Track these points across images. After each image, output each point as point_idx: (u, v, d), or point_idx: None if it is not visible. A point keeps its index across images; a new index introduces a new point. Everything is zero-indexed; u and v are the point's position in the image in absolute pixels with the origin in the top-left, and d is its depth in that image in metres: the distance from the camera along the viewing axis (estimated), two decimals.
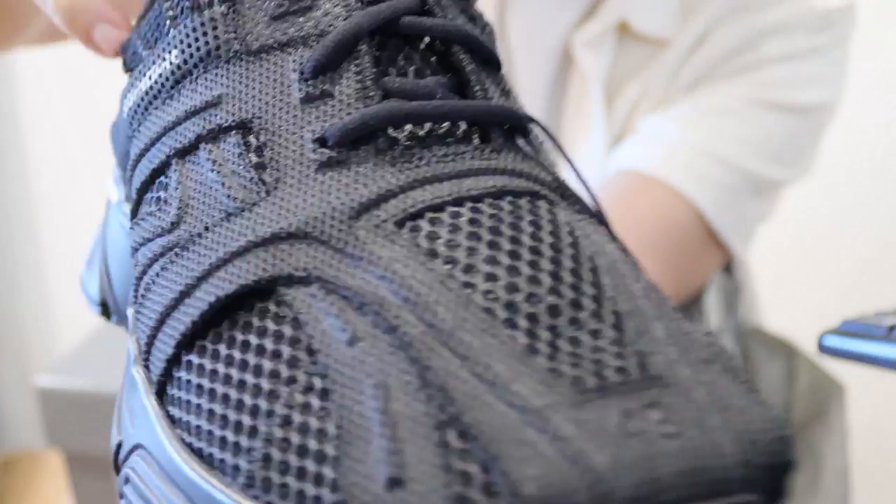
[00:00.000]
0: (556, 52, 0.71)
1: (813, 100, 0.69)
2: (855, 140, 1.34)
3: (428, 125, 0.25)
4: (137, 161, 0.27)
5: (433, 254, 0.21)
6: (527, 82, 0.72)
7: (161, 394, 0.23)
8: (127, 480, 0.23)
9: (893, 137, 1.40)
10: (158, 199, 0.26)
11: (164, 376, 0.23)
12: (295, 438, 0.19)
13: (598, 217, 0.26)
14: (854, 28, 0.70)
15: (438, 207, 0.22)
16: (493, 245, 0.21)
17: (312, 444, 0.19)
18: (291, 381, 0.20)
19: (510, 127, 0.26)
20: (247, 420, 0.20)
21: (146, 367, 0.24)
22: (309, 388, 0.20)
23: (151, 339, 0.24)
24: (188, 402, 0.22)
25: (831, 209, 1.43)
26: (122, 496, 0.23)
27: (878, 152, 1.41)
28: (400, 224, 0.22)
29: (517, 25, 0.70)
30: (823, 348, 0.40)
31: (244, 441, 0.20)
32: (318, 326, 0.20)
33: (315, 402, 0.20)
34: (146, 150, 0.27)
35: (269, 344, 0.21)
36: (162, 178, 0.26)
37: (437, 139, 0.24)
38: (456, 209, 0.22)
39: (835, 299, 1.18)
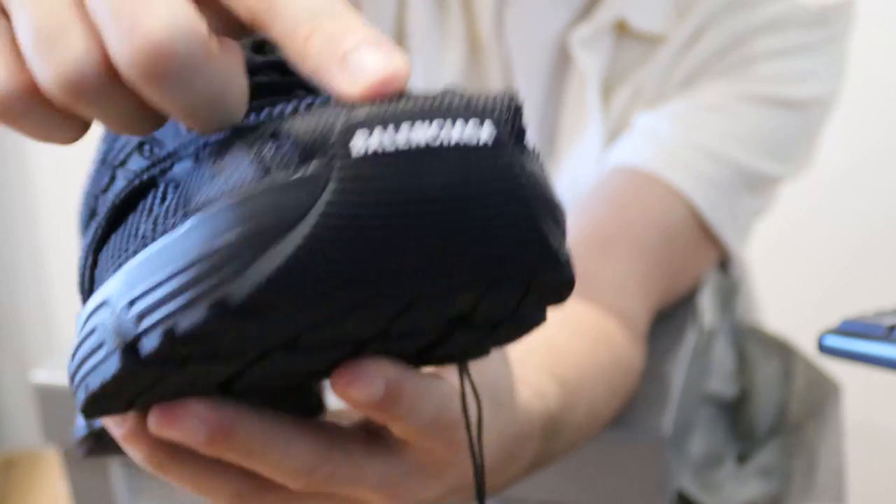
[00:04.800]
0: (554, 51, 0.71)
1: (806, 95, 0.69)
2: (855, 138, 1.34)
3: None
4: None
5: None
6: (524, 81, 0.72)
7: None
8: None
9: (894, 136, 1.40)
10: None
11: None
12: None
13: None
14: (853, 24, 0.70)
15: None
16: None
17: None
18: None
19: None
20: None
21: None
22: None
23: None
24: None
25: (831, 208, 1.43)
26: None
27: (878, 151, 1.41)
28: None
29: (515, 25, 0.71)
30: (823, 348, 0.40)
31: None
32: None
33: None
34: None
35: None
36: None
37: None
38: None
39: (834, 299, 1.18)
